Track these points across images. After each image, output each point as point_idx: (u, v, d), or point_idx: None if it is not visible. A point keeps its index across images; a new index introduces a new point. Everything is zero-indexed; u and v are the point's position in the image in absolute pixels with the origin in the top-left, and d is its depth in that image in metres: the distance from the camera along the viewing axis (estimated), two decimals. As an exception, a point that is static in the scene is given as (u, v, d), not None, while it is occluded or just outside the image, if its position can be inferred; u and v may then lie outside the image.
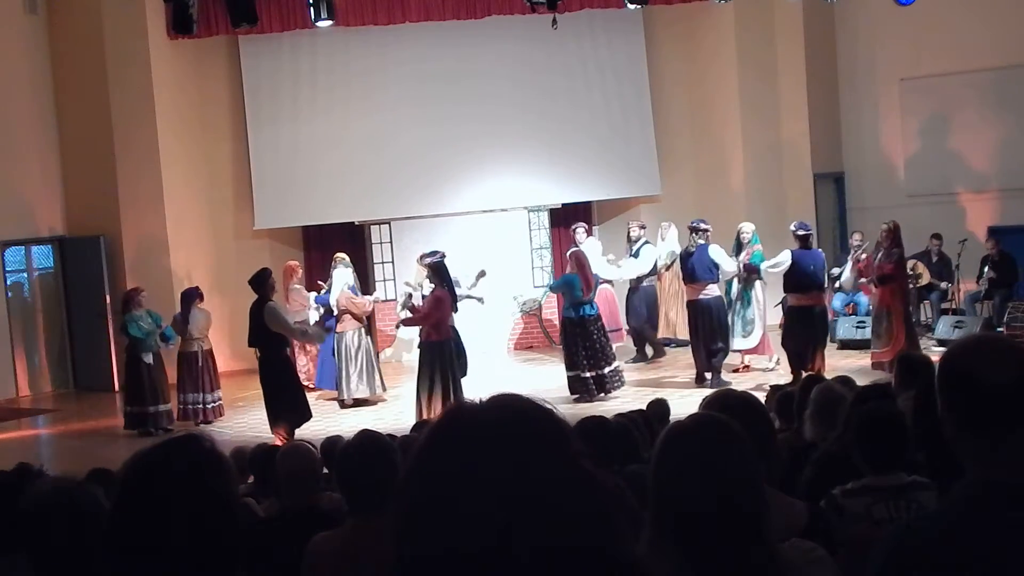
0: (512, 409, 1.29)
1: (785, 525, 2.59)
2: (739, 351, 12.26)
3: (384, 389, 12.49)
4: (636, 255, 13.78)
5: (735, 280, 12.08)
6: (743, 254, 12.01)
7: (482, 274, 12.48)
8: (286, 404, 10.20)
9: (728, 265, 11.87)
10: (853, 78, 16.02)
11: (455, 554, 1.20)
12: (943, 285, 14.19)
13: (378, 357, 12.83)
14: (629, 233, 14.08)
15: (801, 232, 11.69)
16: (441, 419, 1.32)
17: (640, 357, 13.82)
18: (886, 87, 15.60)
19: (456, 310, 11.06)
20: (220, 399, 12.05)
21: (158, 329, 11.65)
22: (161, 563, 1.84)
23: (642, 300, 13.74)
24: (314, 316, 12.32)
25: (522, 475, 1.22)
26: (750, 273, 11.98)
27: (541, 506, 1.21)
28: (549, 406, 1.32)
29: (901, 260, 11.61)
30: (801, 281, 11.48)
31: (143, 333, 11.56)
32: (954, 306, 14.23)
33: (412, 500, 1.25)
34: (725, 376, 11.82)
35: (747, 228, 12.33)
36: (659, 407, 7.55)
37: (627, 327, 14.02)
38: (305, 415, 10.38)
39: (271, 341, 10.22)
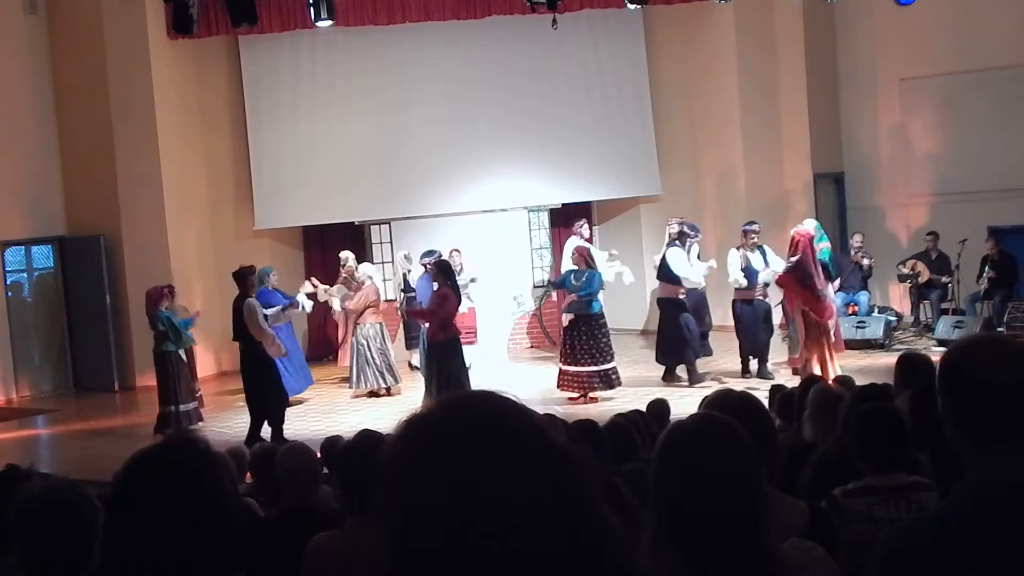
0: (493, 403, 1.27)
1: (785, 525, 2.59)
2: None
3: (397, 381, 12.80)
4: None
5: None
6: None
7: (471, 281, 12.86)
8: (265, 396, 10.48)
9: (684, 272, 11.95)
10: (853, 78, 16.01)
11: (435, 553, 1.18)
12: (943, 279, 14.19)
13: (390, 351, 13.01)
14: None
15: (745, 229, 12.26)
16: (414, 416, 1.29)
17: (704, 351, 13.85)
18: (886, 87, 15.59)
19: (459, 302, 11.10)
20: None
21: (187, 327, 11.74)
22: (158, 563, 1.84)
23: (697, 299, 13.21)
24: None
25: (509, 470, 1.20)
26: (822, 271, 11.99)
27: (532, 501, 1.19)
28: (515, 398, 1.29)
29: (795, 270, 11.12)
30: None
31: (185, 325, 11.58)
32: (954, 306, 14.23)
33: (389, 499, 1.23)
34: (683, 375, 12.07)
35: (808, 225, 12.35)
36: (659, 407, 7.55)
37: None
38: (281, 408, 10.63)
39: (251, 335, 10.56)
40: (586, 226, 13.32)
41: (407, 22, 14.72)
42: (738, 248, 12.25)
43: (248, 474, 6.21)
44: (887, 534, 1.82)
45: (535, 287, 15.65)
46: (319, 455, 5.58)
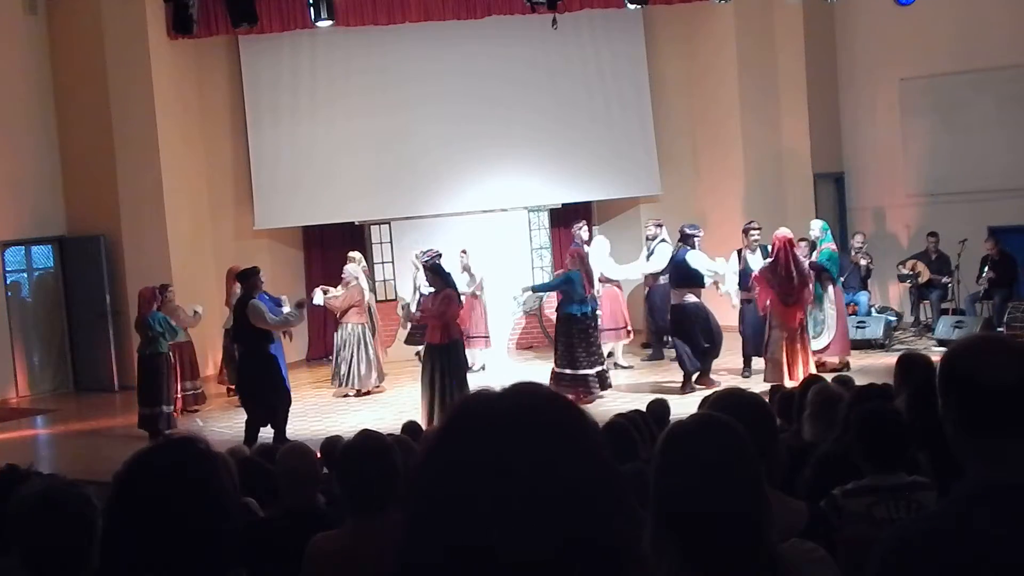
0: (533, 397, 1.25)
1: (785, 525, 2.59)
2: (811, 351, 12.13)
3: (370, 385, 12.88)
4: (652, 253, 13.59)
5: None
6: (814, 253, 12.06)
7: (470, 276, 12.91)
8: (264, 400, 10.36)
9: (709, 267, 11.87)
10: (853, 78, 16.01)
11: (470, 551, 1.17)
12: (944, 279, 14.20)
13: (375, 350, 13.04)
14: (646, 232, 13.97)
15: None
16: (457, 407, 1.27)
17: (657, 355, 13.82)
18: (886, 87, 15.58)
19: (461, 305, 11.09)
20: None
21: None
22: (157, 563, 1.84)
23: (664, 298, 13.34)
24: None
25: (544, 466, 1.18)
26: (820, 272, 11.97)
27: (563, 499, 1.18)
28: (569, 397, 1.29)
29: (768, 270, 11.13)
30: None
31: (177, 329, 11.76)
32: (954, 306, 14.23)
33: (427, 493, 1.21)
34: (716, 378, 11.75)
35: (814, 226, 12.49)
36: (659, 407, 7.54)
37: (651, 326, 14.02)
38: (282, 413, 10.45)
39: (253, 337, 10.40)
40: (584, 228, 13.32)
41: (407, 22, 14.73)
42: (739, 251, 12.28)
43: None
44: (887, 534, 1.82)
45: (523, 290, 15.39)
46: (319, 455, 5.58)
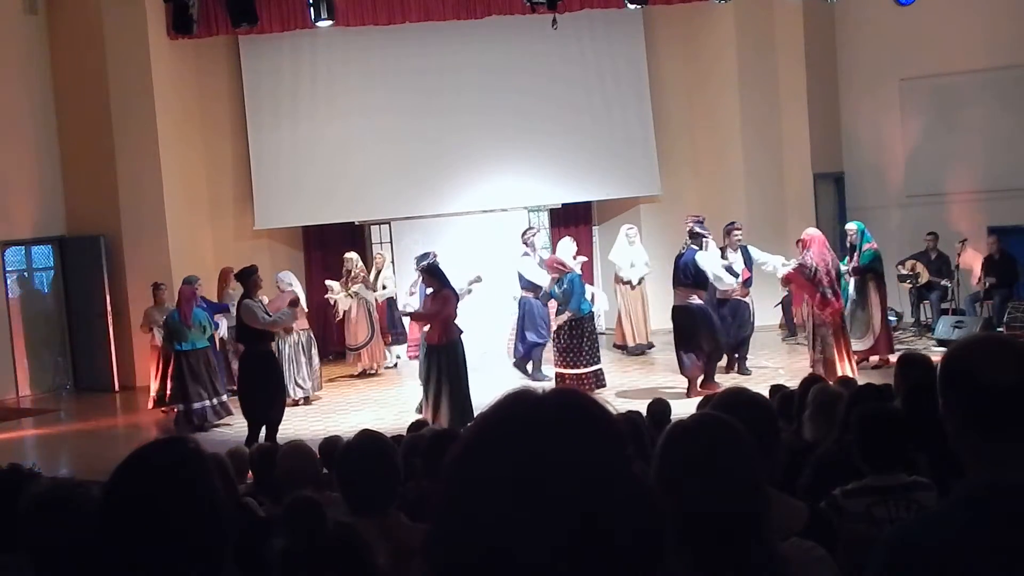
0: (576, 399, 1.26)
1: (785, 525, 2.59)
2: (856, 352, 12.01)
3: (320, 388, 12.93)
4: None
5: (850, 280, 12.21)
6: (854, 256, 12.25)
7: (477, 279, 12.62)
8: (260, 399, 10.35)
9: (716, 273, 11.60)
10: (853, 78, 16.01)
11: (500, 550, 1.16)
12: (943, 282, 14.19)
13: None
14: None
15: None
16: (498, 407, 1.25)
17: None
18: (886, 87, 15.58)
19: (459, 301, 11.07)
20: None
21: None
22: (145, 561, 1.84)
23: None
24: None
25: (586, 466, 1.18)
26: (865, 273, 12.10)
27: (603, 503, 1.18)
28: (609, 406, 1.29)
29: (803, 267, 11.10)
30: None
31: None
32: (954, 306, 14.22)
33: (464, 490, 1.21)
34: (720, 380, 11.58)
35: (851, 228, 12.64)
36: (659, 408, 7.53)
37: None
38: (278, 413, 10.45)
39: (252, 336, 10.43)
40: (532, 234, 13.40)
41: (407, 22, 14.73)
42: (722, 248, 12.27)
43: (249, 473, 6.21)
44: (887, 534, 1.82)
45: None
46: (319, 455, 5.58)
